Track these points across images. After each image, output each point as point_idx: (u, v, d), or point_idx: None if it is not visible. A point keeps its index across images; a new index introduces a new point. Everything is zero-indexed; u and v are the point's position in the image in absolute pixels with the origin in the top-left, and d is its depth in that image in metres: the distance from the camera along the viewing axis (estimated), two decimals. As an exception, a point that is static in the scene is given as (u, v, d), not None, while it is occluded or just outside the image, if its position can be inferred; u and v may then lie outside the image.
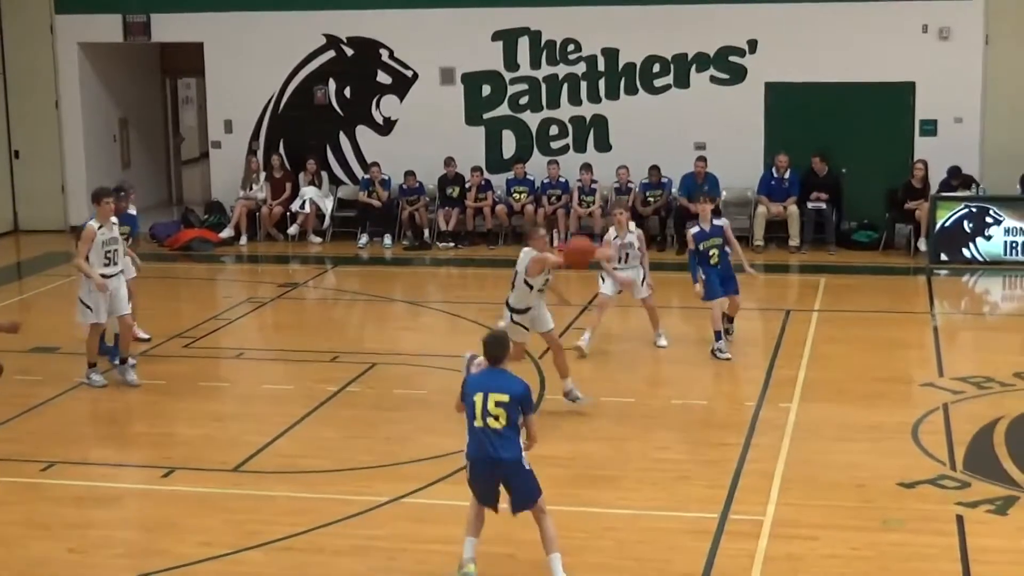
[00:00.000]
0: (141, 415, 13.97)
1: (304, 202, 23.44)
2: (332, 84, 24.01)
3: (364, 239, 23.16)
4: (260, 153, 24.14)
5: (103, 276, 14.29)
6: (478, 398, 9.52)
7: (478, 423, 9.51)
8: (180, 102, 28.61)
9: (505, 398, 9.51)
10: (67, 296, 18.10)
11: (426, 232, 23.07)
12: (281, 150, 24.10)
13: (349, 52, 23.85)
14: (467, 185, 23.07)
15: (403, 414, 13.91)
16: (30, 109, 24.59)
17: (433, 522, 10.92)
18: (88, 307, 14.39)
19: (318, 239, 23.41)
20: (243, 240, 23.45)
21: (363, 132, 24.04)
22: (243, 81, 24.04)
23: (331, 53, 23.91)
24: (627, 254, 15.94)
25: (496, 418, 9.52)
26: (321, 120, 24.09)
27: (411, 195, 23.10)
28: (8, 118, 24.68)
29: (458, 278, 21.53)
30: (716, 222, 15.95)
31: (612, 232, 15.95)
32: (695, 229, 15.89)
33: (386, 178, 23.21)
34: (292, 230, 23.46)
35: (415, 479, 11.80)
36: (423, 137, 23.40)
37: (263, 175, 23.82)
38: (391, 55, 23.69)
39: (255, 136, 24.31)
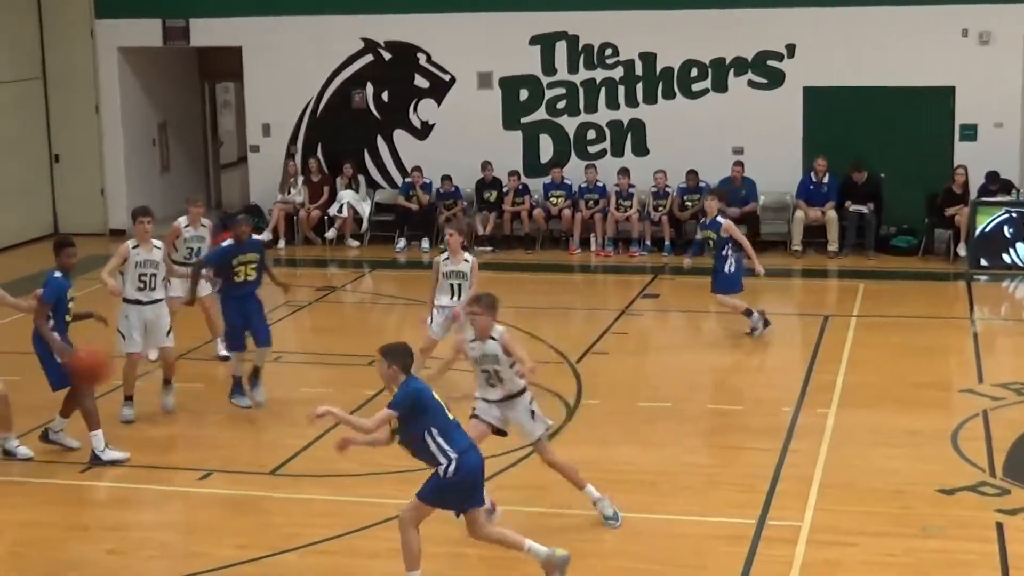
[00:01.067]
0: (180, 418, 13.99)
1: (342, 206, 23.48)
2: (370, 88, 24.06)
3: (402, 243, 23.19)
4: (298, 157, 24.20)
5: (138, 302, 13.63)
6: (438, 395, 9.48)
7: (452, 416, 9.47)
8: (219, 106, 28.71)
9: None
10: (106, 301, 18.19)
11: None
12: (319, 154, 24.16)
13: (387, 56, 23.89)
14: (504, 189, 23.08)
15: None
16: (71, 113, 24.74)
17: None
18: (122, 335, 13.75)
19: (355, 243, 23.45)
20: (281, 244, 23.51)
21: (400, 136, 24.08)
22: (281, 85, 24.11)
23: (369, 57, 23.95)
24: (456, 286, 14.38)
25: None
26: (359, 124, 24.13)
27: (447, 199, 23.12)
28: (49, 122, 24.83)
29: (494, 283, 21.35)
30: (719, 219, 16.46)
31: (442, 256, 14.54)
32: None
33: (427, 182, 23.23)
34: (330, 234, 23.51)
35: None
36: (460, 141, 23.41)
37: (301, 179, 23.88)
38: (428, 59, 23.72)
39: (293, 140, 24.38)
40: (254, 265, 14.18)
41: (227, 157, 29.17)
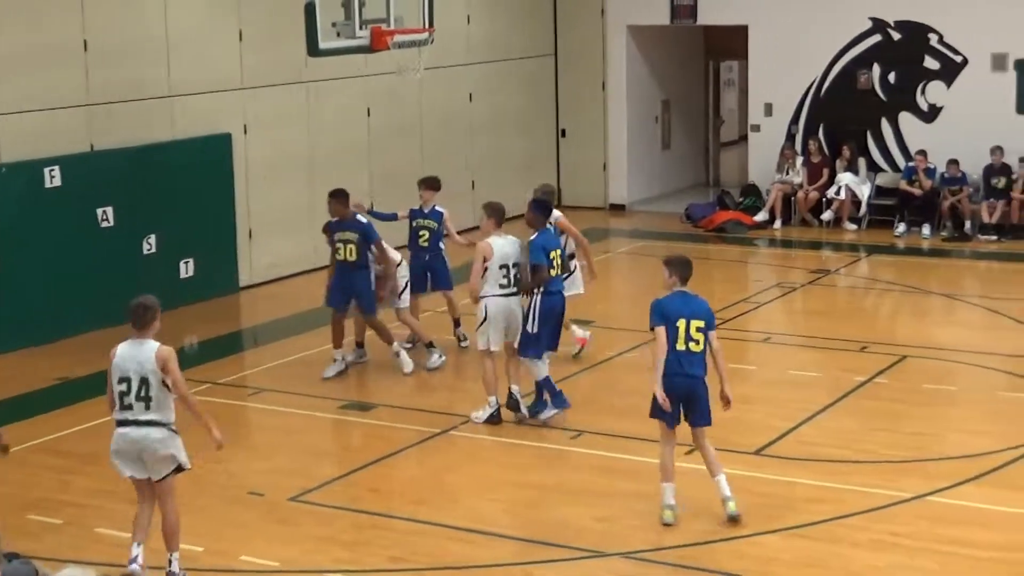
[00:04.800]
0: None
1: (840, 188, 23.11)
2: (876, 69, 23.51)
3: (901, 228, 22.56)
4: (799, 137, 23.99)
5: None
6: None
7: None
8: (722, 84, 28.85)
9: None
10: (607, 271, 18.69)
11: (967, 224, 22.20)
12: (820, 134, 23.85)
13: (896, 36, 23.27)
14: (1014, 176, 22.01)
15: (932, 410, 13.51)
16: (578, 89, 25.47)
17: (958, 523, 10.55)
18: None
19: (853, 226, 23.01)
20: (777, 224, 23.40)
21: (906, 119, 23.41)
22: (786, 64, 23.92)
23: (877, 37, 23.40)
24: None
25: None
26: (863, 105, 23.63)
27: (953, 184, 22.29)
28: (558, 97, 25.66)
29: (999, 273, 20.59)
30: (438, 208, 15.63)
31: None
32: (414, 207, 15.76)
33: (931, 167, 22.49)
34: (826, 216, 23.18)
35: (941, 478, 11.43)
36: (969, 125, 22.51)
37: (800, 159, 23.66)
38: (940, 40, 22.92)
39: (794, 120, 24.17)
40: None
41: (727, 136, 29.31)
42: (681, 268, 10.72)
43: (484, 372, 13.08)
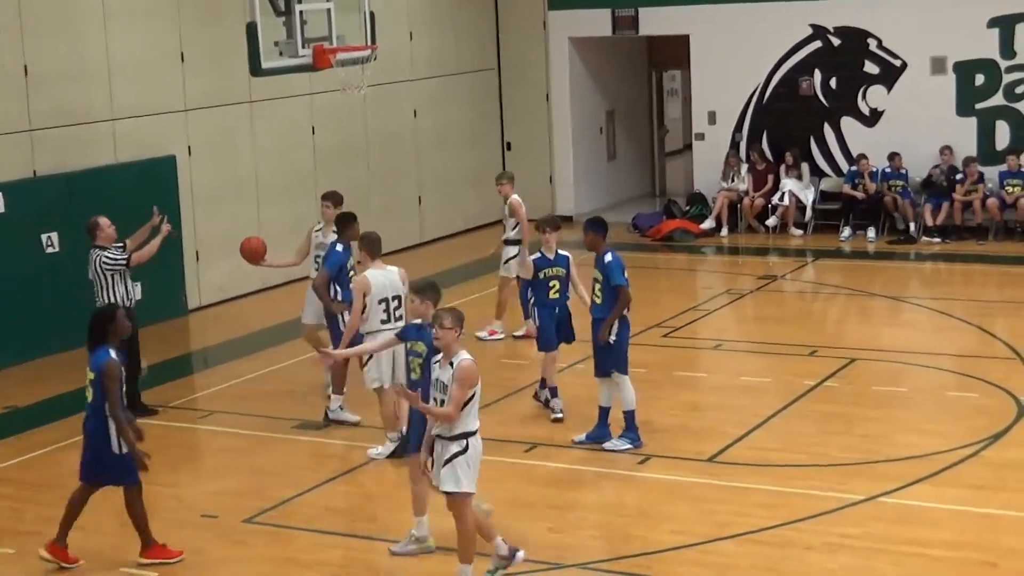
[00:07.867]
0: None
1: (785, 194, 23.25)
2: (817, 75, 23.69)
3: (847, 232, 22.72)
4: (743, 144, 24.13)
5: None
6: None
7: None
8: (665, 94, 28.98)
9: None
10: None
11: (911, 226, 22.38)
12: (763, 141, 23.99)
13: (836, 42, 23.45)
14: (957, 178, 22.21)
15: (882, 412, 13.59)
16: (522, 102, 25.52)
17: (909, 523, 10.63)
18: None
19: (799, 231, 23.16)
20: (724, 231, 23.51)
21: (848, 123, 23.58)
22: (728, 73, 24.06)
23: (817, 43, 23.57)
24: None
25: None
26: (805, 111, 23.79)
27: (893, 178, 22.46)
28: (502, 111, 25.70)
29: (944, 274, 20.79)
30: (561, 252, 13.67)
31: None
32: (535, 255, 13.75)
33: (874, 170, 22.68)
34: (772, 222, 23.32)
35: (892, 479, 11.52)
36: (911, 128, 22.70)
37: (745, 167, 23.80)
38: (879, 44, 23.12)
39: (738, 128, 24.30)
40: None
41: (672, 145, 29.44)
42: (437, 294, 10.35)
43: (383, 408, 12.54)
